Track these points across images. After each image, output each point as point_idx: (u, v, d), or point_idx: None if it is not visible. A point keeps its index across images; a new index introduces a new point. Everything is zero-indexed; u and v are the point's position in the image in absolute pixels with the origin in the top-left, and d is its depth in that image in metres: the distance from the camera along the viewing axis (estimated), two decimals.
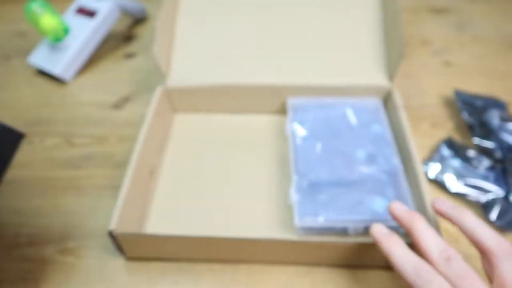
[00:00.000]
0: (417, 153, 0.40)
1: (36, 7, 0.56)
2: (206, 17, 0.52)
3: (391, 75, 0.46)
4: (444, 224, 0.38)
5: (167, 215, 0.41)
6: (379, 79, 0.47)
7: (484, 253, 0.29)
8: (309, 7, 0.52)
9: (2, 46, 0.68)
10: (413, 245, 0.30)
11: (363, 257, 0.36)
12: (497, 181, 0.43)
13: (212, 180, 0.44)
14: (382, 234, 0.31)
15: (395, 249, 0.29)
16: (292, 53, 0.50)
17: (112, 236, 0.35)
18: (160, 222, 0.41)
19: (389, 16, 0.49)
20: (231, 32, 0.51)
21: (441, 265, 0.27)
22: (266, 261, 0.38)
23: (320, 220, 0.36)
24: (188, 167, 0.46)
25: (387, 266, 0.37)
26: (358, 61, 0.48)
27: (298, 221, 0.36)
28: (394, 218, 0.32)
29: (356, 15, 0.51)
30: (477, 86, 0.56)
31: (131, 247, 0.37)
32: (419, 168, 0.38)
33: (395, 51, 0.45)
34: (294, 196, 0.38)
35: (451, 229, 0.39)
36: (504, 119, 0.49)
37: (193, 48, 0.51)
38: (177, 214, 0.41)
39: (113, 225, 0.35)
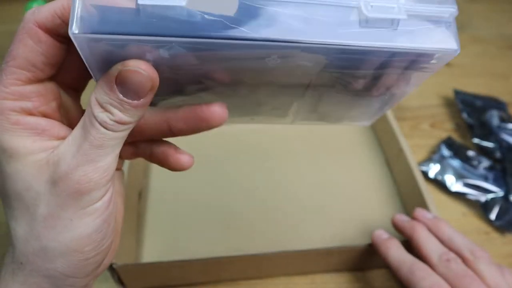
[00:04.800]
0: (411, 152, 0.39)
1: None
2: None
3: None
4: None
5: (162, 239, 0.39)
6: None
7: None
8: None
9: (1, 46, 0.68)
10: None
11: (367, 259, 0.36)
12: (496, 181, 0.43)
13: (200, 198, 0.43)
14: (382, 239, 0.32)
15: (392, 250, 0.30)
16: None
17: (112, 269, 0.33)
18: (156, 247, 0.39)
19: None
20: None
21: (441, 267, 0.28)
22: (271, 274, 0.37)
23: None
24: (174, 187, 0.44)
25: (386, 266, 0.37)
26: None
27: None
28: (397, 229, 0.33)
29: None
30: (476, 86, 0.56)
31: (132, 279, 0.35)
32: (415, 167, 0.38)
33: None
34: None
35: None
36: (504, 119, 0.49)
37: None
38: (171, 236, 0.39)
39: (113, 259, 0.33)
